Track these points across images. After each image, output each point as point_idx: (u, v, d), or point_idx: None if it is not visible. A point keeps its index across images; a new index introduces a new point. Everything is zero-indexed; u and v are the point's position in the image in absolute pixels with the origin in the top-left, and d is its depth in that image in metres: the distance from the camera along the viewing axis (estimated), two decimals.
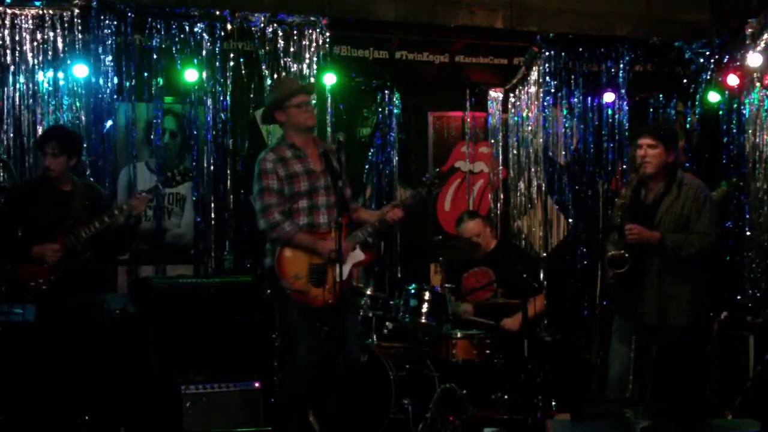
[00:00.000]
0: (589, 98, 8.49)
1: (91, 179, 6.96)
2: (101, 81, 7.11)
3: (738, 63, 8.15)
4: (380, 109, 8.00)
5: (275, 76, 7.49)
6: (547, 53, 8.26)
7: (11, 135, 6.90)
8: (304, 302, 5.56)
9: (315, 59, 7.58)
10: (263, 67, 7.49)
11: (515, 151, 8.37)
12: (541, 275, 7.80)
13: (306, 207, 5.63)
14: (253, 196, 5.77)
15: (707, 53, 8.50)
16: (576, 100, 8.44)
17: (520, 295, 6.52)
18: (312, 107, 5.80)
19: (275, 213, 5.57)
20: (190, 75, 7.30)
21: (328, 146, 5.83)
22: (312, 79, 7.52)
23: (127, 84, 7.23)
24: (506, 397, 6.45)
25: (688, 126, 8.74)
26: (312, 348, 5.65)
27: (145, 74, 7.28)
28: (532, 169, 8.38)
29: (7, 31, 6.88)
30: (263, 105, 7.53)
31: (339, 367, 5.71)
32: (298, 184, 5.61)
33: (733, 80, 8.19)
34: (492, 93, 8.36)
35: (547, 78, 8.30)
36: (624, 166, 8.34)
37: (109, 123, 7.17)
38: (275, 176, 5.60)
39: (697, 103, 8.64)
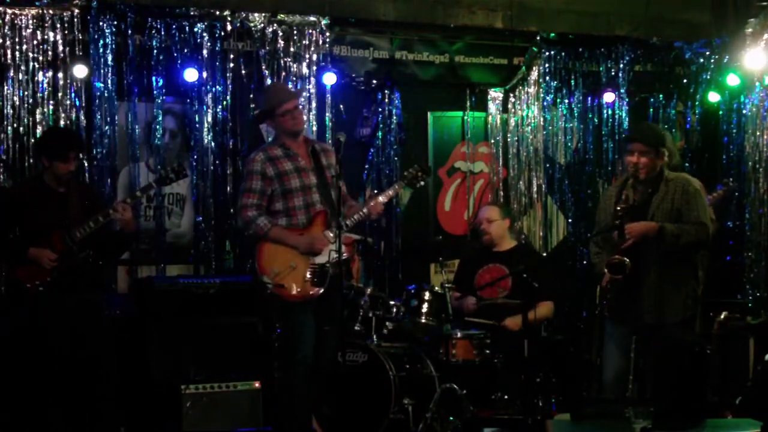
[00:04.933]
0: (589, 98, 8.48)
1: (89, 179, 6.97)
2: (101, 81, 7.10)
3: (738, 63, 8.14)
4: (380, 109, 7.99)
5: (275, 76, 7.48)
6: (547, 53, 8.25)
7: (11, 135, 6.89)
8: (283, 296, 5.65)
9: (315, 59, 7.58)
10: (263, 67, 7.49)
11: (515, 151, 8.36)
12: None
13: (302, 205, 5.77)
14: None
15: (707, 53, 8.49)
16: (576, 100, 8.44)
17: (522, 297, 6.51)
18: (299, 112, 5.97)
19: (249, 211, 5.74)
20: (190, 75, 7.28)
21: (318, 145, 6.00)
22: (312, 79, 7.52)
23: (126, 84, 7.23)
24: (506, 397, 6.45)
25: (688, 126, 8.73)
26: (309, 341, 5.70)
27: (145, 74, 7.28)
28: (532, 169, 8.38)
29: (7, 31, 6.87)
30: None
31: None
32: (289, 182, 5.76)
33: (733, 80, 8.19)
34: (492, 93, 8.35)
35: (547, 78, 8.29)
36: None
37: (109, 124, 7.16)
38: (260, 177, 5.76)
39: (697, 103, 8.63)
